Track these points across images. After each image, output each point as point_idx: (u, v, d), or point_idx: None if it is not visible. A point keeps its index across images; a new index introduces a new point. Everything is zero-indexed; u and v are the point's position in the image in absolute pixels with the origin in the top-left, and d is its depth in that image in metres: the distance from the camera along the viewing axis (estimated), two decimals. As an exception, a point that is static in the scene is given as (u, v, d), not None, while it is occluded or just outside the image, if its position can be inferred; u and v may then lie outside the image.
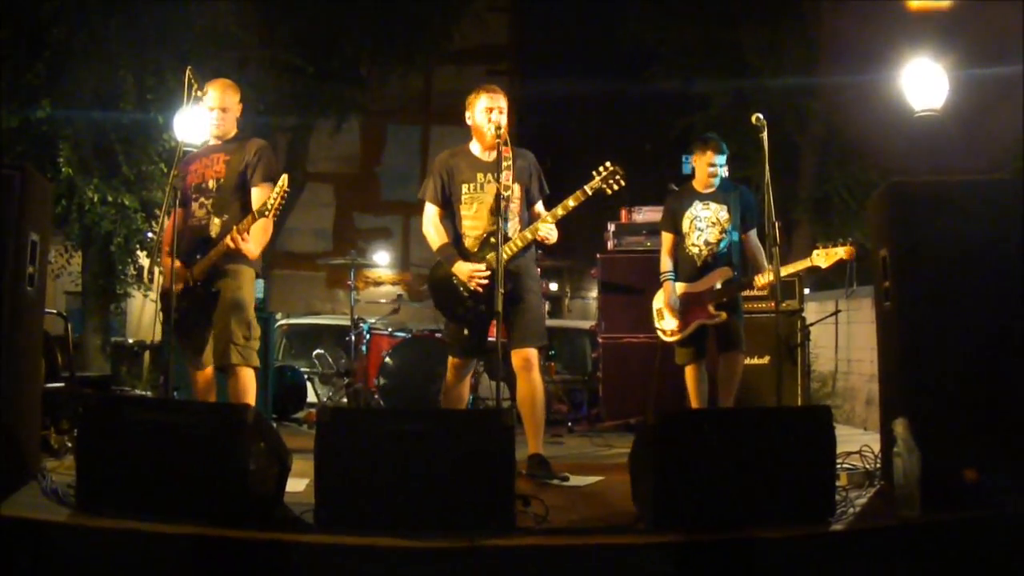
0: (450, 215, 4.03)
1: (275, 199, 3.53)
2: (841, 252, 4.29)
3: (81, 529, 2.68)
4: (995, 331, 3.05)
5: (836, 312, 6.43)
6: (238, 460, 2.71)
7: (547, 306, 6.13)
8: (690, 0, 10.68)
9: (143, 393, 6.14)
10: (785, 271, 4.31)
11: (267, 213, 3.56)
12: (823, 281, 8.59)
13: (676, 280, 4.72)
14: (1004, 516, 2.78)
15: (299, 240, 13.75)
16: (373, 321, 6.51)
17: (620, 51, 12.27)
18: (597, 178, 3.80)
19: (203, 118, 3.87)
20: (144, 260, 7.52)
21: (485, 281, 3.82)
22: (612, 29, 12.38)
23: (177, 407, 3.43)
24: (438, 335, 5.77)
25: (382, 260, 12.83)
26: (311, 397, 6.64)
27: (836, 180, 10.06)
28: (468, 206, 3.96)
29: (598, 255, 6.08)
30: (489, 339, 3.95)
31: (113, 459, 2.81)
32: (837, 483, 2.98)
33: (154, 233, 7.18)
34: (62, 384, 4.41)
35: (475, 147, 4.03)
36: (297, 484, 3.13)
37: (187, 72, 3.82)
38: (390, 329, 6.36)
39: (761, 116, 3.85)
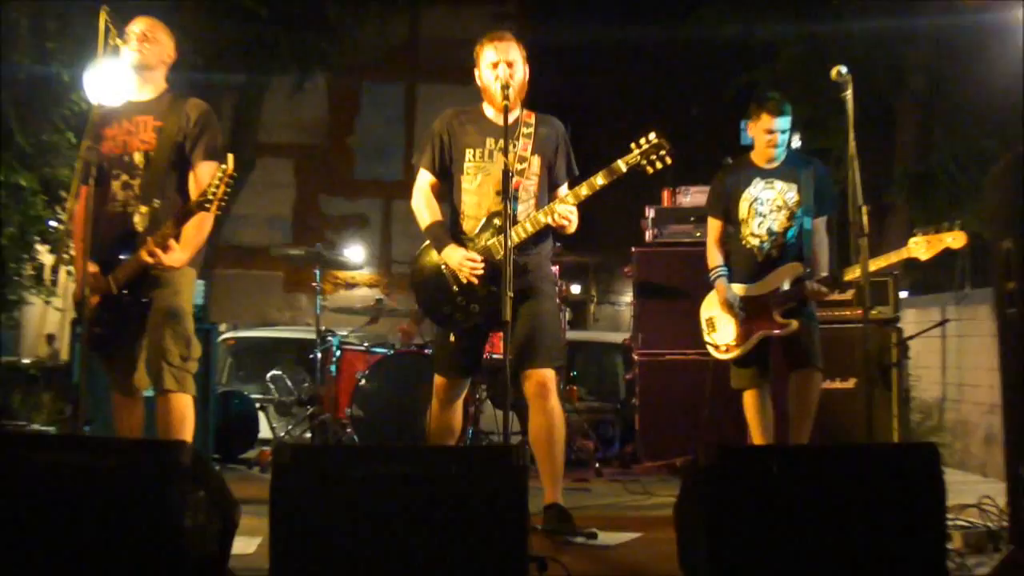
0: (448, 187, 4.03)
1: (217, 187, 3.48)
2: (947, 239, 4.28)
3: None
4: None
5: (943, 322, 6.39)
6: (170, 514, 2.69)
7: (567, 314, 6.14)
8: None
9: (42, 428, 6.13)
10: (874, 265, 4.26)
11: (208, 206, 3.53)
12: (926, 282, 8.54)
13: (731, 279, 4.72)
14: None
15: (249, 231, 13.81)
16: (344, 334, 6.52)
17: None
18: (636, 151, 3.78)
19: (123, 70, 3.80)
20: (46, 256, 7.52)
21: (480, 272, 3.81)
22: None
23: (90, 445, 3.40)
24: (427, 351, 5.77)
25: (356, 256, 12.85)
26: (264, 432, 6.67)
27: (942, 151, 10.01)
28: (471, 177, 3.96)
29: (633, 249, 6.10)
30: (494, 356, 3.94)
31: None
32: (949, 546, 2.95)
33: (59, 221, 7.18)
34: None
35: (489, 109, 4.04)
36: (247, 544, 3.14)
37: (102, 14, 3.72)
38: (366, 344, 6.36)
39: (844, 70, 3.83)
